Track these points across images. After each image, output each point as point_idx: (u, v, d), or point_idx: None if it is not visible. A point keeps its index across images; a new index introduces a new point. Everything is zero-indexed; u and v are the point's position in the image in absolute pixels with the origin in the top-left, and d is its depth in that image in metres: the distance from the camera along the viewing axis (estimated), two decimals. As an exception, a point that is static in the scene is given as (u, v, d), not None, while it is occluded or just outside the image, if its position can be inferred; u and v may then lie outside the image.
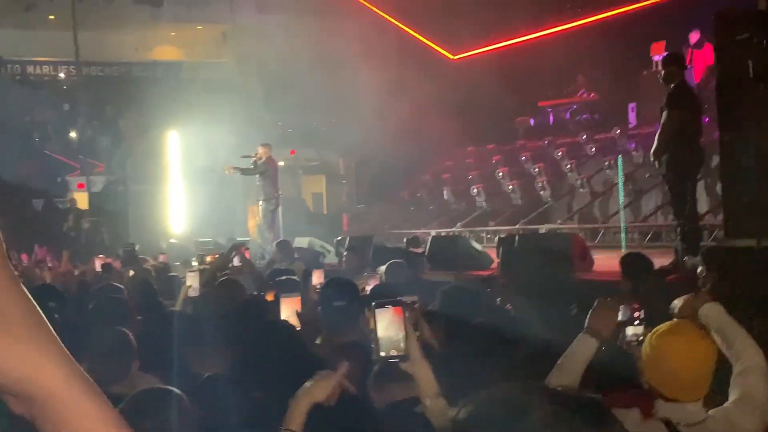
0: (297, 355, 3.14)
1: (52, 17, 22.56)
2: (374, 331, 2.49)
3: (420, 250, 11.30)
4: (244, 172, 15.12)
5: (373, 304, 2.52)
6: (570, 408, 1.13)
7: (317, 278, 5.87)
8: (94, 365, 3.29)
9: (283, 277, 6.53)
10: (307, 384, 2.39)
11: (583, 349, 3.16)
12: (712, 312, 3.18)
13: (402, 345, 2.45)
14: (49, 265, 10.17)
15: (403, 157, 18.22)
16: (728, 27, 7.97)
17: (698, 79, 13.75)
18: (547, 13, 16.95)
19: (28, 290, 0.90)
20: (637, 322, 3.43)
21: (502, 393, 1.18)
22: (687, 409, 2.91)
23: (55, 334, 0.89)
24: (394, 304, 2.52)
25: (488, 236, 15.29)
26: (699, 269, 6.00)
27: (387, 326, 2.45)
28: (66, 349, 0.89)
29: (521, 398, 1.15)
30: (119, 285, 6.15)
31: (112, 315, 4.40)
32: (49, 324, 0.89)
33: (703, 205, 11.61)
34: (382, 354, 2.50)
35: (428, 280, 8.69)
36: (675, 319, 3.24)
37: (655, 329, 3.12)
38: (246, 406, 2.98)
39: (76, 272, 9.03)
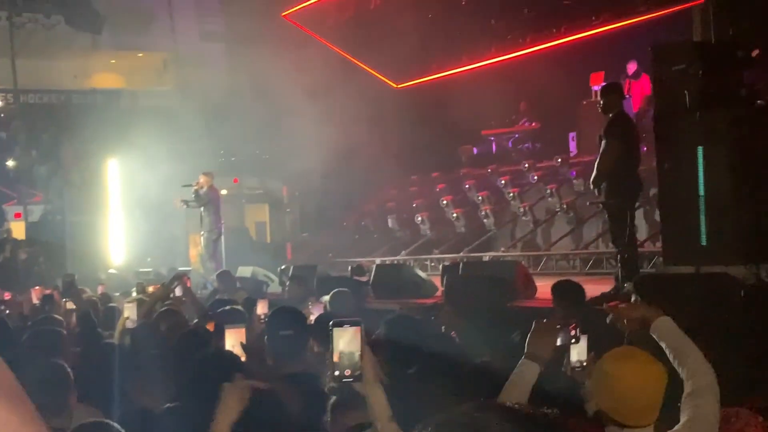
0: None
1: (-12, 43, 22.14)
2: (330, 350, 2.47)
3: (364, 279, 11.28)
4: (190, 204, 14.95)
5: (331, 323, 2.49)
6: (526, 424, 1.15)
7: (261, 308, 5.81)
8: (31, 398, 3.18)
9: (227, 307, 6.45)
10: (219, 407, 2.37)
11: (525, 375, 3.14)
12: (665, 326, 3.15)
13: (358, 365, 2.42)
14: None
15: (347, 186, 18.22)
16: (665, 58, 8.17)
17: (636, 109, 14.05)
18: (489, 43, 17.17)
19: None
20: (573, 341, 3.43)
21: (459, 413, 1.19)
22: (639, 434, 2.91)
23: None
24: (353, 324, 2.49)
25: (432, 264, 15.32)
26: (633, 297, 6.09)
27: (345, 345, 2.43)
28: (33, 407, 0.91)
29: (478, 417, 1.16)
30: (58, 317, 6.00)
31: (48, 347, 4.27)
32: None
33: (642, 232, 11.82)
34: (337, 373, 2.48)
35: (373, 308, 8.67)
36: (624, 345, 3.25)
37: (604, 355, 3.11)
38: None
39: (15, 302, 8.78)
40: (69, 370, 3.63)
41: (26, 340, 4.61)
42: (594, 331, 3.51)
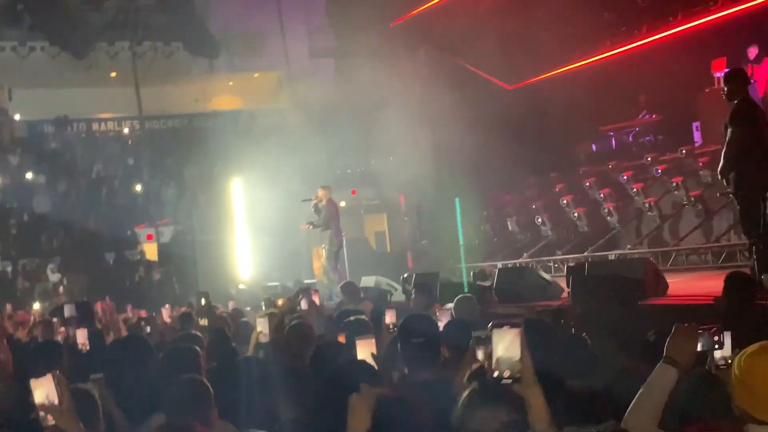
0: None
1: (113, 74, 23.22)
2: (492, 351, 2.50)
3: (487, 284, 11.18)
4: (316, 225, 15.15)
5: (491, 324, 2.52)
6: None
7: (390, 318, 5.84)
8: (174, 415, 3.29)
9: (352, 318, 6.51)
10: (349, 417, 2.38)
11: (662, 380, 3.04)
12: None
13: (517, 367, 2.43)
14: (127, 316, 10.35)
15: (464, 191, 18.15)
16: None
17: (762, 93, 13.47)
18: (603, 36, 16.82)
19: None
20: (716, 347, 3.29)
21: None
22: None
23: None
24: (513, 325, 2.52)
25: (556, 266, 15.08)
26: None
27: (505, 348, 2.44)
28: None
29: None
30: (198, 333, 6.20)
31: (187, 363, 4.41)
32: None
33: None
34: (495, 374, 2.52)
35: (498, 313, 8.58)
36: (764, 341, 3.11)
37: (743, 351, 2.99)
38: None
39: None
40: (209, 386, 3.73)
41: (164, 357, 4.77)
42: (736, 327, 3.36)
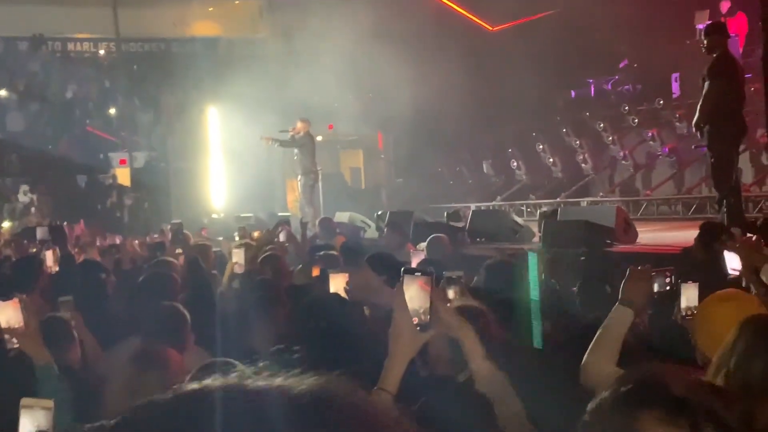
0: (352, 328, 3.16)
1: (91, -7, 22.71)
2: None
3: (461, 225, 11.28)
4: (282, 144, 15.18)
5: (403, 269, 2.53)
6: None
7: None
8: (151, 339, 3.35)
9: (322, 253, 6.58)
10: (400, 341, 2.40)
11: (619, 320, 3.14)
12: None
13: (426, 315, 2.45)
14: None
15: (442, 132, 18.14)
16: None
17: (741, 47, 13.50)
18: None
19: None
20: (668, 287, 3.41)
21: None
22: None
23: None
24: (424, 273, 2.51)
25: (529, 210, 15.22)
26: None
27: (414, 294, 2.45)
28: None
29: None
30: (173, 260, 6.22)
31: (163, 290, 4.45)
32: None
33: (748, 176, 11.46)
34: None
35: (470, 254, 8.69)
36: (726, 289, 3.22)
37: (707, 298, 3.10)
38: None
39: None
40: (186, 313, 3.79)
41: (142, 283, 4.81)
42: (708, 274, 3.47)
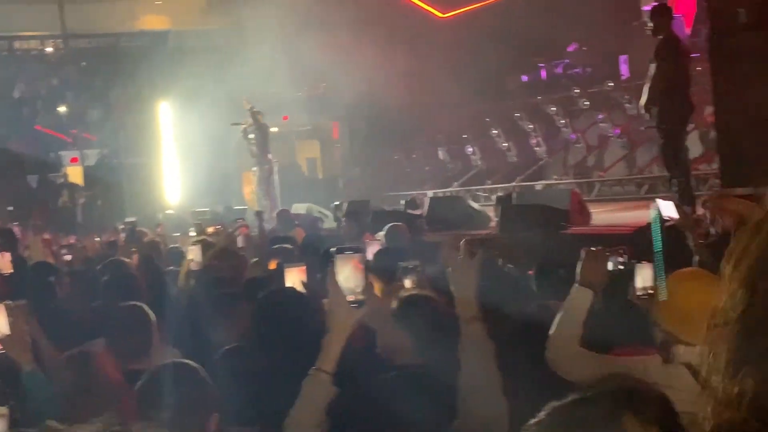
0: (309, 322, 3.17)
1: (35, -10, 22.29)
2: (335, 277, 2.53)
3: (418, 212, 11.32)
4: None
5: (334, 249, 2.57)
6: None
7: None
8: (117, 341, 3.32)
9: (276, 246, 6.55)
10: (335, 318, 2.43)
11: (579, 301, 3.21)
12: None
13: (360, 292, 2.48)
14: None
15: (397, 119, 18.15)
16: (719, -24, 7.95)
17: (689, 27, 13.69)
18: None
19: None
20: (621, 266, 3.49)
21: None
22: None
23: None
24: (356, 251, 2.56)
25: (485, 195, 15.31)
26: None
27: (348, 274, 2.47)
28: None
29: None
30: (127, 260, 6.15)
31: (124, 290, 4.41)
32: None
33: (697, 154, 11.65)
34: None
35: (429, 242, 8.71)
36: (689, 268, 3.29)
37: (670, 276, 3.15)
38: (263, 376, 3.02)
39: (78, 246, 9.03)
40: (150, 312, 3.75)
41: (104, 284, 4.75)
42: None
